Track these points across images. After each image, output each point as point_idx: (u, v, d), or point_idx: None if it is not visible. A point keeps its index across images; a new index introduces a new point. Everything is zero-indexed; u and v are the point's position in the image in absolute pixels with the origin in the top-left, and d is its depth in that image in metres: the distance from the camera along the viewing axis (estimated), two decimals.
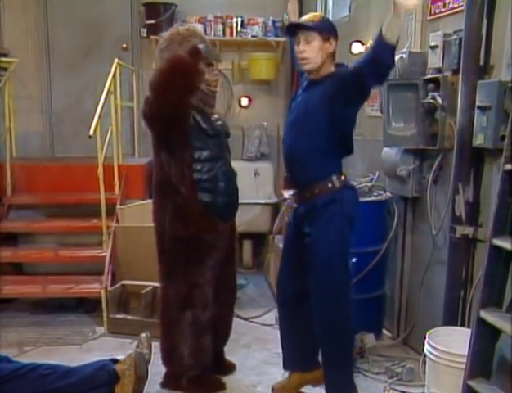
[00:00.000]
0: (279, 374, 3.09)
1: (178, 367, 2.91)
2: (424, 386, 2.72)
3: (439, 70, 3.01)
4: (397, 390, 2.91)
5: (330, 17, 5.06)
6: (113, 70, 4.28)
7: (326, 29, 2.62)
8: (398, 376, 3.00)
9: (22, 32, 5.16)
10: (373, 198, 3.51)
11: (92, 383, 2.62)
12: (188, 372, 2.90)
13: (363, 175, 3.84)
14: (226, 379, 3.03)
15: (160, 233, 2.86)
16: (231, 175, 2.91)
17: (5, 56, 4.97)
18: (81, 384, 2.61)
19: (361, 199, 3.44)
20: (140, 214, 4.27)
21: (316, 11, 5.22)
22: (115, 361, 2.73)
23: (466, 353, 2.29)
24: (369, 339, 3.25)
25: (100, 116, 3.90)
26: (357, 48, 4.05)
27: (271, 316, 3.86)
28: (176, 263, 2.83)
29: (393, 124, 3.28)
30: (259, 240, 5.25)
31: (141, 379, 2.66)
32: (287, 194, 4.18)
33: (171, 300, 2.88)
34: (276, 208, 5.08)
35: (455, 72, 2.87)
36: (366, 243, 3.45)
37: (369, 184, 3.61)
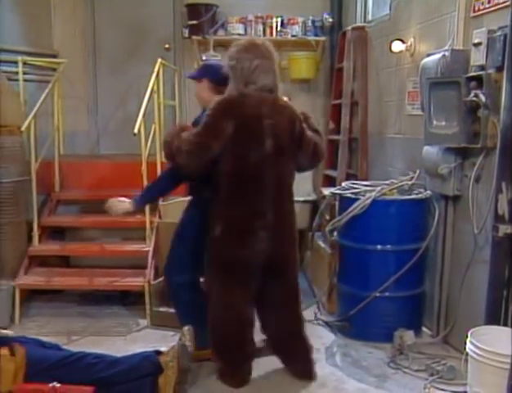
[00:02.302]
0: (319, 368, 3.13)
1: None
2: (465, 384, 2.70)
3: (482, 68, 2.99)
4: (437, 388, 2.91)
5: (370, 17, 5.07)
6: (156, 69, 4.39)
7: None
8: (439, 374, 2.99)
9: (71, 34, 5.35)
10: (413, 196, 3.52)
11: (137, 373, 2.72)
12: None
13: (403, 173, 3.84)
14: (267, 374, 3.09)
15: None
16: None
17: (54, 57, 5.18)
18: (126, 374, 2.71)
19: (401, 197, 3.49)
20: (181, 210, 4.37)
21: (355, 10, 5.24)
22: (159, 353, 2.82)
23: (510, 353, 2.28)
24: (408, 336, 3.26)
25: (144, 115, 4.03)
26: (397, 47, 4.05)
27: (310, 312, 3.90)
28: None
29: (435, 122, 3.28)
30: (298, 236, 5.28)
31: (183, 371, 2.74)
32: (326, 191, 4.22)
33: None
34: (314, 205, 5.12)
35: (499, 69, 2.84)
36: (405, 241, 3.48)
37: (409, 182, 3.60)
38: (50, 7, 5.28)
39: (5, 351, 2.76)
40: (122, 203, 3.14)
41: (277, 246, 2.94)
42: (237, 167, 2.84)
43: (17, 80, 4.27)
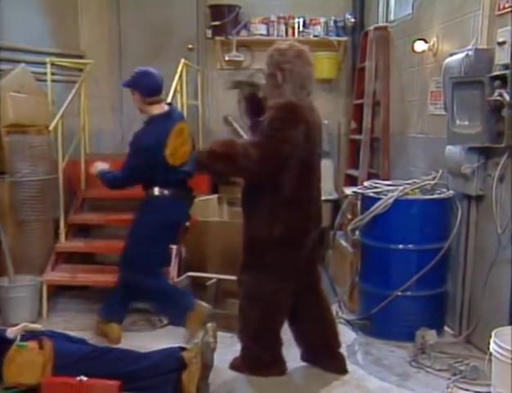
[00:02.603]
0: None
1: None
2: (489, 385, 2.68)
3: (507, 67, 2.96)
4: (461, 388, 2.90)
5: (392, 16, 5.07)
6: (179, 69, 4.45)
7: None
8: (462, 373, 2.98)
9: (97, 36, 5.46)
10: (435, 196, 3.52)
11: (161, 369, 2.78)
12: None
13: (425, 173, 3.84)
14: (288, 371, 3.12)
15: None
16: None
17: (81, 58, 5.29)
18: (151, 369, 2.77)
19: (424, 197, 3.49)
20: (204, 208, 4.44)
21: (377, 10, 5.25)
22: (183, 349, 2.87)
23: None
24: (430, 335, 3.26)
25: None
26: (419, 46, 4.04)
27: (332, 310, 3.91)
28: None
29: (458, 121, 3.27)
30: (319, 235, 5.31)
31: (207, 367, 2.79)
32: (348, 191, 4.23)
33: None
34: (336, 204, 5.14)
35: None
36: (428, 240, 3.48)
37: (431, 182, 3.60)
38: (77, 10, 5.41)
39: (33, 344, 2.84)
40: (99, 167, 3.62)
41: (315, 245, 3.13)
42: (303, 172, 2.89)
43: (45, 81, 4.37)
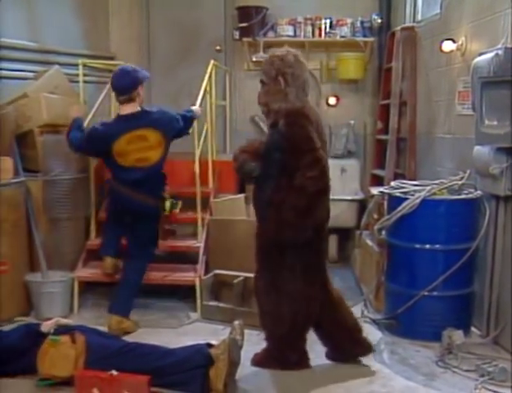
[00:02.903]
0: (366, 361, 3.19)
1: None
2: None
3: None
4: (489, 390, 2.87)
5: (419, 16, 5.06)
6: (209, 70, 4.51)
7: None
8: (490, 375, 2.95)
9: (127, 38, 5.56)
10: (463, 196, 3.51)
11: (189, 365, 2.82)
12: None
13: (452, 173, 3.83)
14: (314, 369, 3.15)
15: None
16: None
17: (112, 59, 5.40)
18: (179, 365, 2.82)
19: (451, 197, 3.48)
20: (231, 207, 4.49)
21: (404, 10, 5.23)
22: (210, 345, 2.91)
23: None
24: (457, 335, 3.24)
25: None
26: (448, 46, 4.03)
27: (357, 309, 3.92)
28: None
29: (486, 121, 3.26)
30: (345, 235, 5.38)
31: (234, 364, 2.83)
32: (375, 191, 4.24)
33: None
34: (361, 204, 5.15)
35: None
36: (455, 241, 3.47)
37: (459, 182, 3.59)
38: (108, 13, 5.51)
39: (66, 338, 2.93)
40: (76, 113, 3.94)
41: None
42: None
43: (78, 82, 4.47)
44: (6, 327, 3.34)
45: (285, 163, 2.89)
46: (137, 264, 3.85)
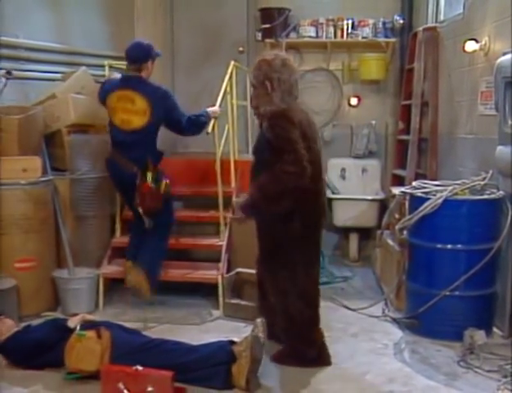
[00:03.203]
0: (387, 364, 3.20)
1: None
2: None
3: None
4: None
5: (442, 17, 5.04)
6: (229, 71, 4.56)
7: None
8: None
9: (151, 39, 5.56)
10: (485, 196, 3.50)
11: (212, 361, 2.88)
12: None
13: (474, 174, 3.82)
14: (336, 367, 3.17)
15: None
16: None
17: None
18: (202, 361, 2.88)
19: (473, 197, 3.48)
20: None
21: (426, 11, 5.22)
22: (232, 342, 2.96)
23: None
24: (479, 336, 3.24)
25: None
26: (470, 46, 4.02)
27: (378, 308, 3.95)
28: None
29: (510, 122, 3.25)
30: (365, 234, 5.41)
31: (256, 360, 2.86)
32: (396, 190, 4.24)
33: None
34: (382, 204, 5.16)
35: None
36: (477, 241, 3.46)
37: (481, 183, 3.58)
38: (133, 16, 5.59)
39: (92, 334, 3.01)
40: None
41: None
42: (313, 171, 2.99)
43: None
44: (35, 322, 3.44)
45: (270, 162, 2.94)
46: (156, 230, 3.98)
